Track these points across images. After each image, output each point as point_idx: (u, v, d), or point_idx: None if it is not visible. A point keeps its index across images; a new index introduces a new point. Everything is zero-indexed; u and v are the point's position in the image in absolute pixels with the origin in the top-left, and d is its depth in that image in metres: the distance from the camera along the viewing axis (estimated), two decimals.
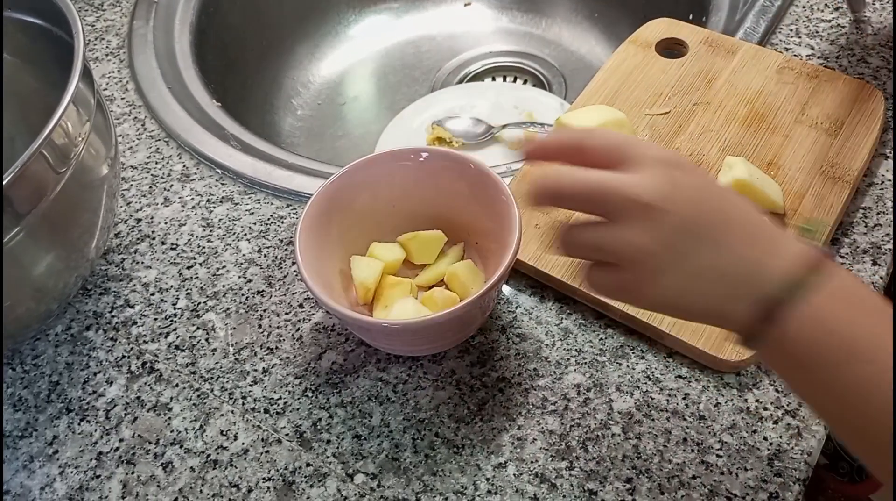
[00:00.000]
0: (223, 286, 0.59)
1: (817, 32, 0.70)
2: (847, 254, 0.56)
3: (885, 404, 0.33)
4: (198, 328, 0.57)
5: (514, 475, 0.48)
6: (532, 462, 0.49)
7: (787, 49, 0.69)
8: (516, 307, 0.56)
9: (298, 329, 0.56)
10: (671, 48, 0.69)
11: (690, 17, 0.81)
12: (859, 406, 0.34)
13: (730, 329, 0.37)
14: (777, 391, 0.50)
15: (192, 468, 0.50)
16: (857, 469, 0.63)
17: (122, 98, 0.74)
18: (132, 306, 0.59)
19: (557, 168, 0.39)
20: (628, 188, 0.37)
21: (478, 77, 0.99)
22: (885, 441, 0.33)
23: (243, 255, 0.61)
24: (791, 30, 0.70)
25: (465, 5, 1.05)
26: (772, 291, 0.35)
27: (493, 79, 0.99)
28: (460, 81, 0.98)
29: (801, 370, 0.36)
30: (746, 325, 0.36)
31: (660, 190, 0.36)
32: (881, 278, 0.54)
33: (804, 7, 0.72)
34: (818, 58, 0.68)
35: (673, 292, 0.37)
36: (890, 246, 0.55)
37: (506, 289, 0.57)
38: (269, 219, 0.63)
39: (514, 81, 0.99)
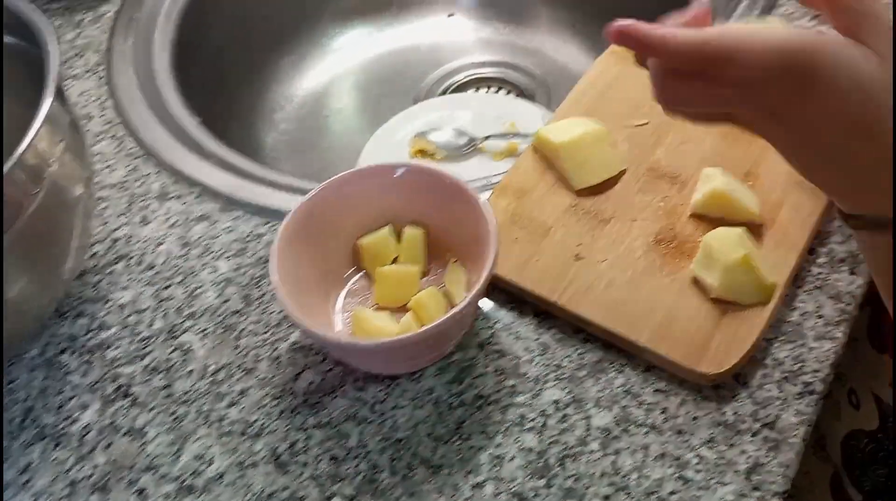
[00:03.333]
0: (200, 307, 0.59)
1: None
2: (825, 264, 0.56)
3: None
4: (174, 350, 0.57)
5: (493, 494, 0.48)
6: (510, 480, 0.48)
7: None
8: (495, 323, 0.56)
9: (276, 349, 0.56)
10: None
11: None
12: None
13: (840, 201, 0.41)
14: (755, 403, 0.50)
15: (166, 494, 0.50)
16: None
17: (101, 116, 0.73)
18: (108, 329, 0.58)
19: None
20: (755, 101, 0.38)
21: (461, 88, 0.99)
22: None
23: (221, 274, 0.61)
24: None
25: (449, 16, 1.05)
26: (884, 212, 0.38)
27: (477, 89, 0.99)
28: (444, 92, 0.98)
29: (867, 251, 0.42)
30: (852, 214, 0.40)
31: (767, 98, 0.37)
32: (858, 287, 0.54)
33: (783, 15, 0.72)
34: None
35: (807, 159, 0.40)
36: None
37: (484, 304, 0.57)
38: (247, 237, 0.63)
39: (498, 91, 0.98)
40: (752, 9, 0.71)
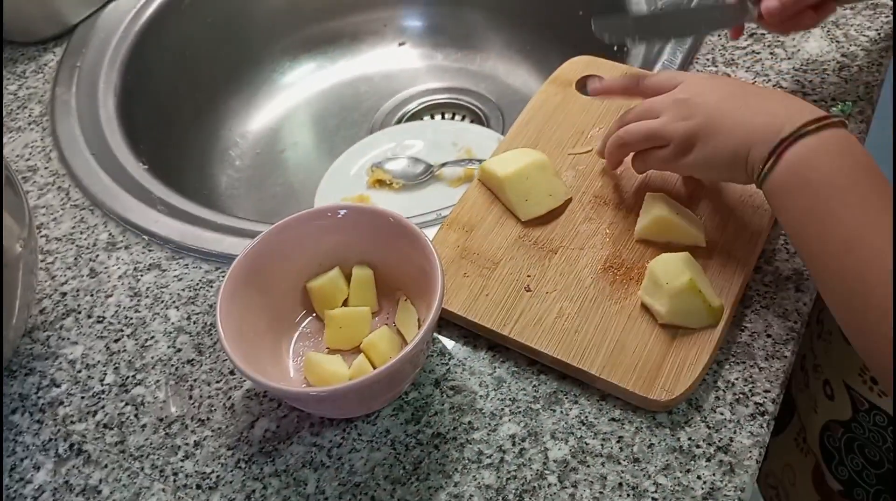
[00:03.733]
0: (152, 358, 0.58)
1: (733, 60, 0.71)
2: (770, 282, 0.56)
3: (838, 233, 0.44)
4: (126, 404, 0.56)
5: None
6: None
7: None
8: (449, 359, 0.56)
9: (230, 397, 0.55)
10: None
11: (615, 48, 0.82)
12: (819, 227, 0.45)
13: (744, 175, 0.50)
14: (708, 427, 0.50)
15: None
16: (874, 494, 0.64)
17: (46, 167, 0.73)
18: (58, 386, 0.57)
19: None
20: (672, 94, 0.53)
21: (416, 116, 0.99)
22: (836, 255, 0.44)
23: (172, 323, 0.60)
24: (708, 59, 0.71)
25: (400, 45, 1.05)
26: (782, 136, 0.47)
27: (432, 117, 0.99)
28: (399, 121, 0.98)
29: (785, 195, 0.47)
30: (759, 165, 0.48)
31: (694, 87, 0.52)
32: (804, 304, 0.55)
33: (720, 36, 0.73)
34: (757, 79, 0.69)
35: (710, 151, 0.51)
36: None
37: (439, 340, 0.57)
38: (197, 284, 0.62)
39: (453, 117, 0.99)
40: (673, 62, 0.72)
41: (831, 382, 0.64)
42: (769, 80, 0.69)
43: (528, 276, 0.57)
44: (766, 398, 0.51)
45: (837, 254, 0.44)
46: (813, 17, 0.60)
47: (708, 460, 0.49)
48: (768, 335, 0.54)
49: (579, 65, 0.70)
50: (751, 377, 0.52)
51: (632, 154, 0.57)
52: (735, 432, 0.50)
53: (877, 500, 0.63)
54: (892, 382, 0.42)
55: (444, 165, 0.85)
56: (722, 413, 0.51)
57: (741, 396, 0.51)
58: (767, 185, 0.48)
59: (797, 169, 0.46)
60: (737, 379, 0.52)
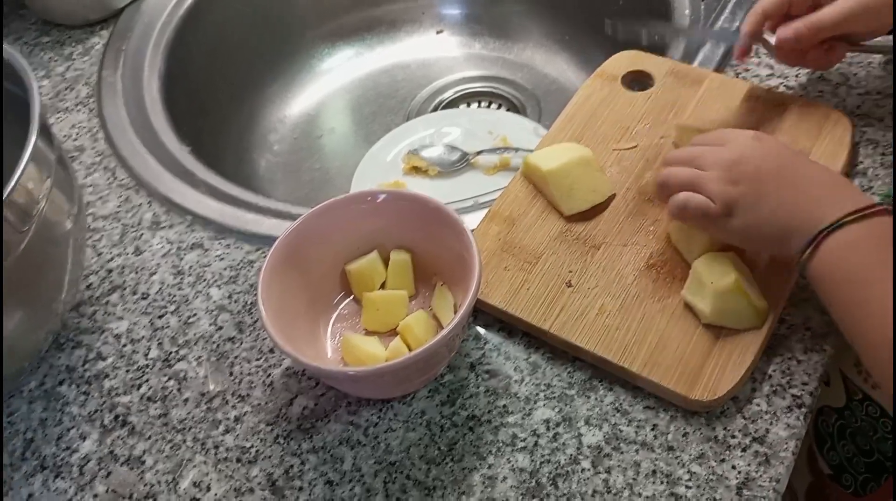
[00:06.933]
0: (194, 335, 0.60)
1: None
2: None
3: (879, 324, 0.43)
4: (169, 379, 0.57)
5: None
6: None
7: (746, 70, 0.69)
8: (485, 344, 0.56)
9: (269, 375, 0.57)
10: (638, 80, 0.69)
11: (656, 37, 0.81)
12: (861, 320, 0.45)
13: (787, 253, 0.49)
14: (744, 418, 0.50)
15: None
16: (862, 482, 0.64)
17: (93, 148, 0.74)
18: (104, 359, 0.59)
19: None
20: (717, 152, 0.52)
21: (452, 104, 1.00)
22: (879, 347, 0.44)
23: (214, 302, 0.61)
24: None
25: (438, 33, 1.05)
26: (821, 227, 0.46)
27: (468, 105, 1.00)
28: (435, 109, 0.99)
29: (825, 283, 0.47)
30: (798, 254, 0.48)
31: (744, 150, 0.51)
32: None
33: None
34: (777, 77, 0.68)
35: (751, 224, 0.50)
36: None
37: (474, 325, 0.57)
38: (239, 264, 0.64)
39: (489, 106, 0.99)
40: (715, 54, 0.71)
41: (827, 368, 0.64)
42: (812, 71, 0.68)
43: (570, 271, 0.56)
44: (803, 390, 0.51)
45: (874, 342, 0.44)
46: (824, 58, 0.60)
47: (743, 450, 0.49)
48: (807, 328, 0.53)
49: (625, 59, 0.69)
50: (788, 369, 0.52)
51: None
52: (771, 423, 0.50)
53: (864, 487, 0.64)
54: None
55: (479, 153, 0.86)
56: (758, 405, 0.51)
57: (778, 388, 0.51)
58: (808, 272, 0.48)
59: (835, 261, 0.46)
60: (774, 371, 0.52)
